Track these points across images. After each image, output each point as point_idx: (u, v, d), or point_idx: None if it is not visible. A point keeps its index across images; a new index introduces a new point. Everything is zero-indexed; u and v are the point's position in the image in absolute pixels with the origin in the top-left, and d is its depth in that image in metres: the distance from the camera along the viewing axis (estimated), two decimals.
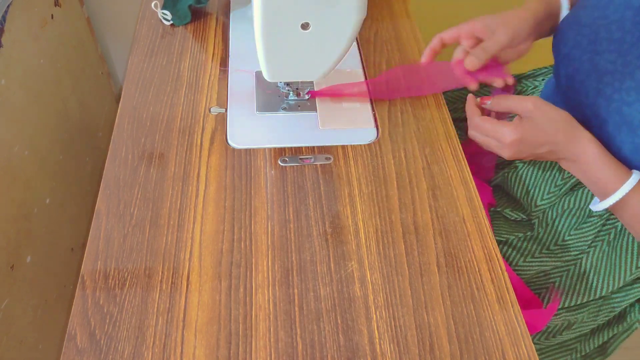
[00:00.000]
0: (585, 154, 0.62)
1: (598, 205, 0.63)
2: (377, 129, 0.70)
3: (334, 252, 0.58)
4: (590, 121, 0.68)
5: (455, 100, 0.88)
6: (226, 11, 0.86)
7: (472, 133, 0.67)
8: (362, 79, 0.77)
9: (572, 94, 0.70)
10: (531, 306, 0.71)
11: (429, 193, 0.63)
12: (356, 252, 0.58)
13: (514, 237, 0.75)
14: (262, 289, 0.54)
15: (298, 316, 0.53)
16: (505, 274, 0.57)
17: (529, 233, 0.75)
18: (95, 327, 0.51)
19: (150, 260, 0.56)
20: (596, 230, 0.72)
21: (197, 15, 0.85)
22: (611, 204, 0.61)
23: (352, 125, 0.70)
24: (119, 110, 0.70)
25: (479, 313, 0.54)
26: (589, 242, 0.72)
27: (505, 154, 0.64)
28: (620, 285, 0.73)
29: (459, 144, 0.69)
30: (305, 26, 0.58)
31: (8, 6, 0.89)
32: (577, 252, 0.73)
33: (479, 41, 0.71)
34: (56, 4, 1.08)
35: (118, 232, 0.58)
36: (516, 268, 0.73)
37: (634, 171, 0.61)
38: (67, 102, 1.12)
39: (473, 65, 0.69)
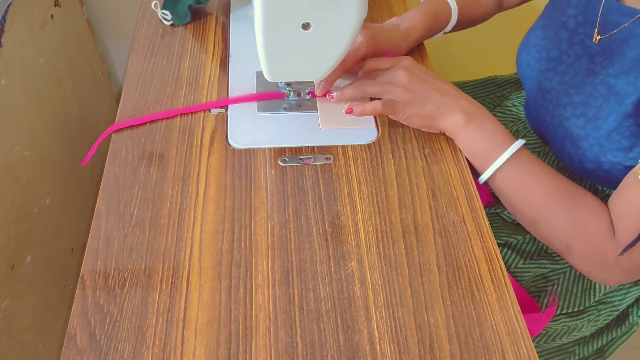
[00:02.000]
0: (479, 105, 0.65)
1: (487, 170, 0.64)
2: (377, 129, 0.70)
3: (334, 252, 0.58)
4: (545, 136, 0.72)
5: None
6: (226, 11, 0.86)
7: (364, 85, 0.68)
8: None
9: (532, 110, 0.75)
10: (528, 310, 0.71)
11: (428, 193, 0.63)
12: (356, 252, 0.58)
13: (513, 239, 0.75)
14: (262, 289, 0.54)
15: (298, 316, 0.53)
16: (505, 273, 0.57)
17: (527, 236, 0.75)
18: (95, 327, 0.51)
19: (150, 260, 0.56)
20: None
21: (197, 15, 0.85)
22: (499, 166, 0.62)
23: (352, 125, 0.70)
24: (119, 110, 0.70)
25: (479, 313, 0.54)
26: None
27: (402, 77, 0.65)
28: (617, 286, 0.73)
29: None
30: (306, 26, 0.58)
31: (8, 6, 0.89)
32: None
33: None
34: (56, 4, 1.08)
35: (118, 232, 0.58)
36: (515, 270, 0.73)
37: (518, 140, 0.63)
38: (67, 102, 1.12)
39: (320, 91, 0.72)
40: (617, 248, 0.58)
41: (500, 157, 0.62)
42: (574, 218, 0.60)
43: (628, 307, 0.77)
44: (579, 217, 0.60)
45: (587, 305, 0.73)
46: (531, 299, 0.73)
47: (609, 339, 0.78)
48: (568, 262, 0.64)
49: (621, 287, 0.74)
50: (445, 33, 0.82)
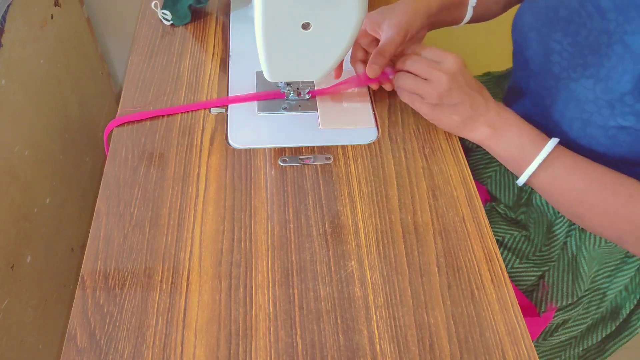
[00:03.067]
0: (508, 115, 0.64)
1: (522, 177, 0.63)
2: (377, 128, 0.70)
3: (334, 252, 0.58)
4: (545, 102, 0.69)
5: None
6: (226, 11, 0.86)
7: (403, 77, 0.66)
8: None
9: (527, 79, 0.72)
10: (526, 314, 0.71)
11: (429, 193, 0.63)
12: (356, 252, 0.58)
13: (509, 235, 0.75)
14: (262, 289, 0.54)
15: (298, 316, 0.53)
16: (505, 273, 0.57)
17: (524, 232, 0.75)
18: (95, 327, 0.51)
19: (150, 260, 0.56)
20: None
21: (197, 15, 0.85)
22: (532, 171, 0.62)
23: (352, 125, 0.70)
24: (118, 110, 0.70)
25: (479, 313, 0.54)
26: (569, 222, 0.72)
27: (444, 83, 0.63)
28: (605, 264, 0.73)
29: (459, 144, 0.69)
30: (306, 26, 0.58)
31: (8, 6, 0.89)
32: (563, 235, 0.73)
33: (374, 39, 0.72)
34: (56, 4, 1.08)
35: (118, 232, 0.58)
36: (512, 271, 0.73)
37: (552, 140, 0.62)
38: (67, 102, 1.12)
39: (375, 72, 0.69)
40: None
41: (533, 163, 0.61)
42: (618, 210, 0.59)
43: (617, 296, 0.77)
44: (623, 209, 0.59)
45: (579, 294, 0.73)
46: (530, 303, 0.73)
47: (604, 334, 0.78)
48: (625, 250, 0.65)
49: (608, 272, 0.74)
50: (470, 22, 0.80)
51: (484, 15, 0.81)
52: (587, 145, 0.66)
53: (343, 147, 0.67)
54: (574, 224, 0.72)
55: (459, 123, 0.64)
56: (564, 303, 0.73)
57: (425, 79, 0.64)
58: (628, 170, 0.62)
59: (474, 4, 0.78)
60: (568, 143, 0.68)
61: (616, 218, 0.60)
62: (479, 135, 0.64)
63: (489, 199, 0.79)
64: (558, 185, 0.62)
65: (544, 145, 0.62)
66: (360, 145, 0.68)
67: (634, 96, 0.58)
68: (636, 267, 0.73)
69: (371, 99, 0.74)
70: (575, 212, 0.62)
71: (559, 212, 0.72)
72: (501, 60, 1.02)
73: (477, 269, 0.57)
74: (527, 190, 0.75)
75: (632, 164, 0.63)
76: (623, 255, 0.73)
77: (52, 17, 1.06)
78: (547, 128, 0.69)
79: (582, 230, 0.71)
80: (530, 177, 0.62)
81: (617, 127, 0.61)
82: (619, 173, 0.61)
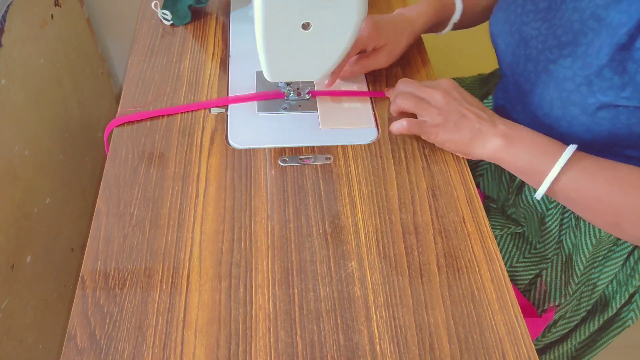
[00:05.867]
0: (517, 126, 0.63)
1: (542, 185, 0.60)
2: (378, 129, 0.70)
3: (334, 252, 0.58)
4: (524, 87, 0.69)
5: None
6: (226, 11, 0.86)
7: (402, 97, 0.68)
8: (363, 78, 0.77)
9: (507, 68, 0.72)
10: (526, 314, 0.71)
11: (429, 193, 0.63)
12: (356, 252, 0.58)
13: (506, 229, 0.75)
14: (262, 289, 0.54)
15: (298, 316, 0.53)
16: (506, 273, 0.57)
17: (518, 228, 0.75)
18: (95, 327, 0.51)
19: (150, 260, 0.56)
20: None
21: (197, 15, 0.85)
22: (554, 177, 0.59)
23: (353, 125, 0.70)
24: (118, 110, 0.70)
25: (479, 313, 0.54)
26: (561, 209, 0.72)
27: (439, 99, 0.65)
28: (594, 255, 0.73)
29: None
30: (306, 26, 0.58)
31: (8, 6, 0.89)
32: (556, 229, 0.72)
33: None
34: (56, 4, 1.08)
35: (118, 232, 0.58)
36: (510, 270, 0.73)
37: (570, 146, 0.59)
38: (67, 102, 1.12)
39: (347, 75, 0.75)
40: None
41: (554, 169, 0.58)
42: None
43: (608, 286, 0.77)
44: None
45: (572, 292, 0.73)
46: (528, 303, 0.74)
47: (594, 328, 0.77)
48: None
49: (597, 263, 0.73)
50: (453, 29, 0.81)
51: (465, 25, 0.83)
52: (568, 126, 0.65)
53: (343, 147, 0.67)
54: (566, 216, 0.72)
55: (470, 138, 0.63)
56: (562, 301, 0.73)
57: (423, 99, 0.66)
58: (610, 152, 0.61)
59: (456, 20, 0.80)
60: (550, 125, 0.67)
61: None
62: (492, 146, 0.62)
63: (482, 197, 0.80)
64: (582, 192, 0.58)
65: (562, 151, 0.59)
66: (360, 145, 0.68)
67: (612, 69, 0.57)
68: (624, 256, 0.73)
69: (371, 99, 0.74)
70: (610, 222, 0.58)
71: (549, 205, 0.72)
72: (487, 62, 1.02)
73: (477, 269, 0.57)
74: (514, 192, 0.76)
75: (613, 146, 0.62)
76: (611, 244, 0.73)
77: (52, 17, 1.06)
78: (529, 112, 0.70)
79: (577, 224, 0.71)
80: (552, 184, 0.59)
81: (596, 104, 0.59)
82: None
